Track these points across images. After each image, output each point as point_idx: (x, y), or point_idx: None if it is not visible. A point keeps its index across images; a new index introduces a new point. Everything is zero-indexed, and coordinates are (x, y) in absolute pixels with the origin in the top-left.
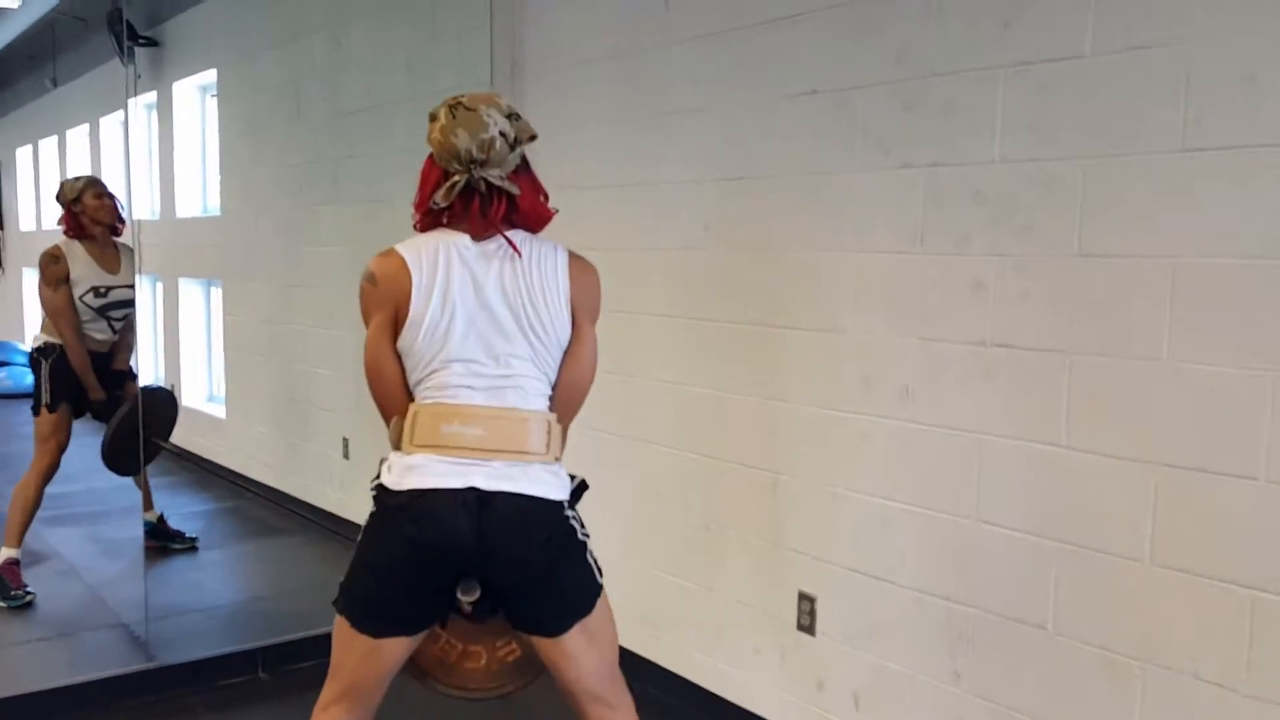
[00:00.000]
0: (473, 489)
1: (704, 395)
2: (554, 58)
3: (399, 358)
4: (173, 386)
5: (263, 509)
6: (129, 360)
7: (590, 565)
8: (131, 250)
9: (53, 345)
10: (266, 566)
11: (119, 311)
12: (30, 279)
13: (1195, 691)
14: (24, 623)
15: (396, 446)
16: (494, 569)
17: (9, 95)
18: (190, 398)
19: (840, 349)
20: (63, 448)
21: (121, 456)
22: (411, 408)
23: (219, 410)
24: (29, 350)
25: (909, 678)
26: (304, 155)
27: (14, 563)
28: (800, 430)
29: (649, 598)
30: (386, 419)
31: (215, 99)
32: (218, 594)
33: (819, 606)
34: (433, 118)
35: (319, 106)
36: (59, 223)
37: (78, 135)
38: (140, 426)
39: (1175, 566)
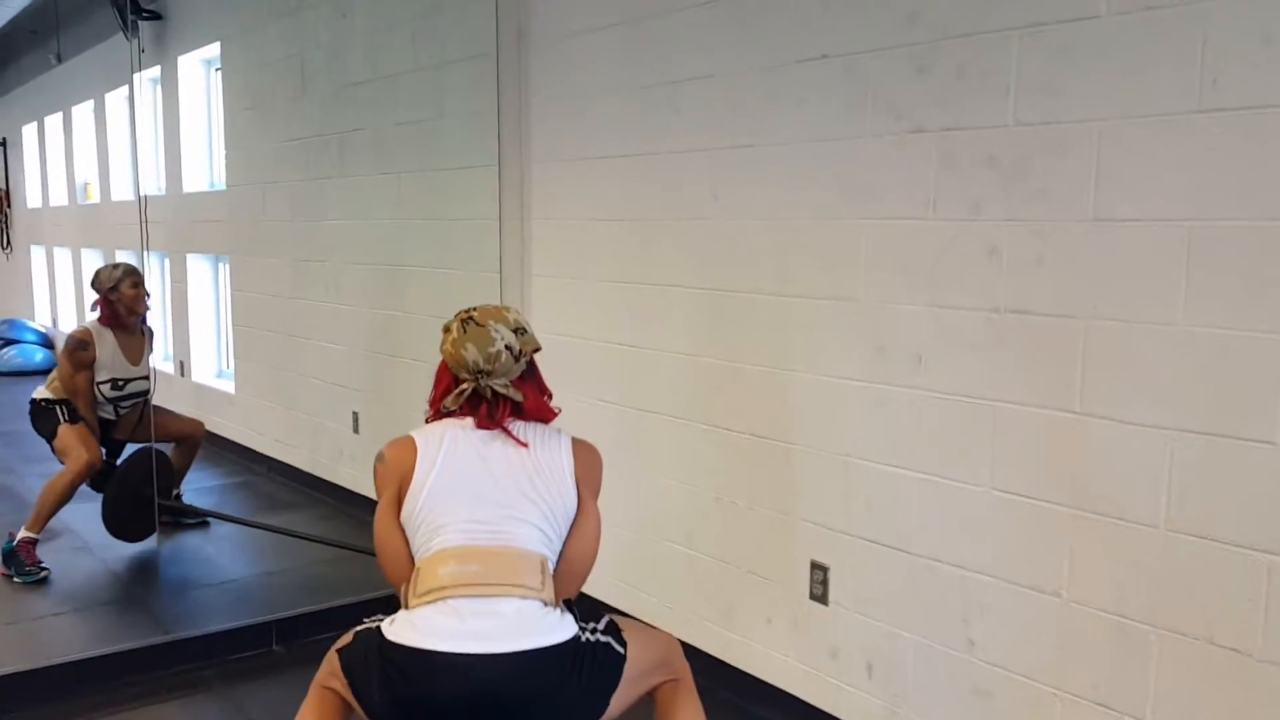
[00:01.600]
0: (476, 654)
1: (715, 366)
2: (560, 26)
3: (403, 531)
4: (182, 362)
5: (273, 484)
6: (130, 432)
7: (608, 648)
8: (153, 334)
9: (64, 399)
10: (278, 541)
11: (129, 402)
12: (38, 256)
13: (1210, 657)
14: (40, 598)
15: (404, 608)
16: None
17: (13, 72)
18: (200, 373)
19: (852, 317)
20: (95, 450)
21: (121, 522)
22: (416, 566)
23: (229, 385)
24: (35, 401)
25: (923, 646)
26: (309, 128)
27: (31, 542)
28: (812, 400)
29: (661, 570)
30: (395, 588)
31: (219, 73)
32: (230, 569)
33: (831, 576)
34: (446, 330)
35: (324, 79)
36: (93, 308)
37: (83, 111)
38: (154, 472)
39: (1191, 532)
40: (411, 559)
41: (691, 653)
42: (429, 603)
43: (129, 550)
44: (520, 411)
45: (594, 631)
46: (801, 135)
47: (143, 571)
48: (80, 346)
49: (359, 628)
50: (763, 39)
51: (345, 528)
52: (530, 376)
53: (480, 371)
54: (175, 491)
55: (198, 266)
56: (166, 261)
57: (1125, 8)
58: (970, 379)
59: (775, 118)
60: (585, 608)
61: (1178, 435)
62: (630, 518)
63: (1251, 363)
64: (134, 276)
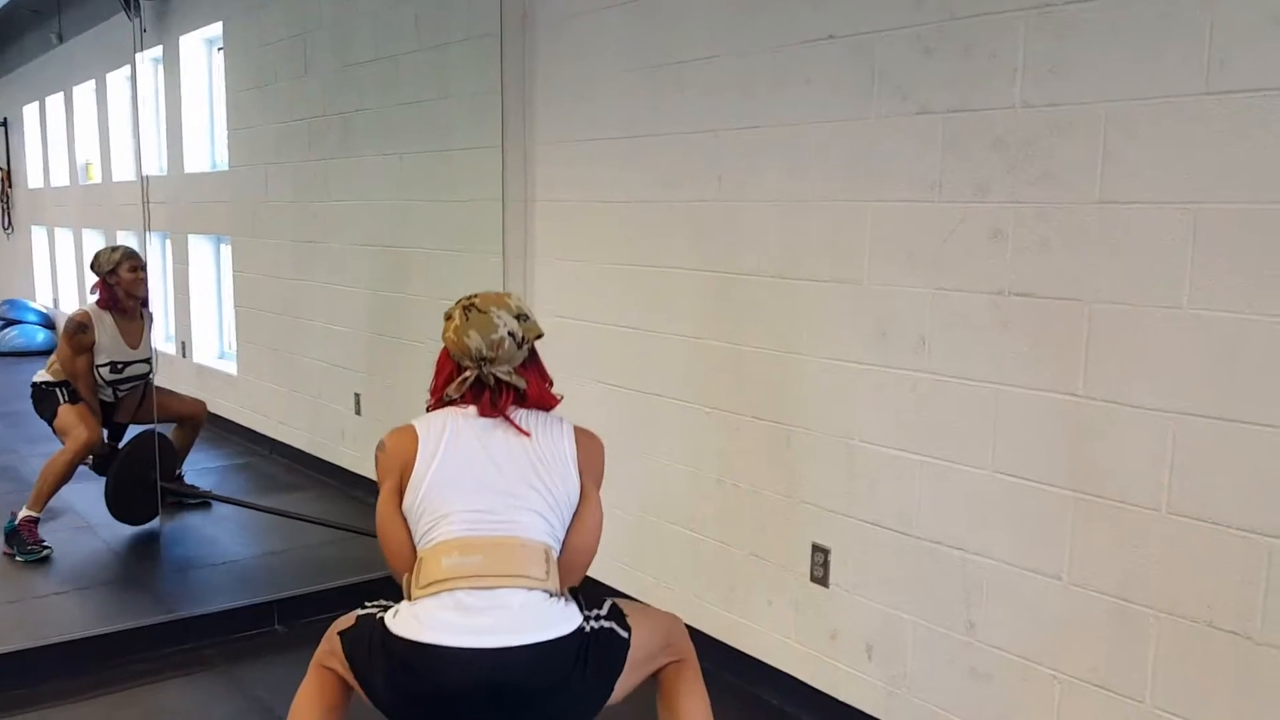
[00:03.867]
0: (482, 649)
1: (718, 348)
2: (564, 6)
3: (405, 520)
4: (184, 343)
5: (275, 465)
6: (131, 415)
7: (612, 634)
8: (153, 318)
9: (64, 381)
10: (280, 521)
11: (128, 385)
12: (39, 236)
13: (1210, 640)
14: (43, 577)
15: (407, 599)
16: (536, 711)
17: (14, 52)
18: (201, 355)
19: (856, 300)
20: (95, 428)
21: (124, 505)
22: (418, 556)
23: (230, 367)
24: (35, 384)
25: (923, 628)
26: (312, 109)
27: (33, 521)
28: (815, 382)
29: (663, 552)
30: (397, 578)
31: (222, 52)
32: (232, 548)
33: (833, 559)
34: (448, 317)
35: (327, 59)
36: (92, 291)
37: (84, 91)
38: (156, 455)
39: (1192, 516)
40: (414, 548)
41: (693, 634)
42: (432, 595)
43: (131, 530)
44: (523, 399)
45: (598, 618)
46: (807, 116)
47: (145, 551)
48: (79, 330)
49: (361, 611)
50: (769, 19)
51: (347, 509)
52: (532, 363)
53: (483, 359)
54: (177, 472)
55: (199, 247)
56: (168, 242)
57: None
58: (974, 362)
59: (781, 99)
60: (587, 593)
61: (1180, 418)
62: (632, 500)
63: (1255, 346)
64: (133, 260)
